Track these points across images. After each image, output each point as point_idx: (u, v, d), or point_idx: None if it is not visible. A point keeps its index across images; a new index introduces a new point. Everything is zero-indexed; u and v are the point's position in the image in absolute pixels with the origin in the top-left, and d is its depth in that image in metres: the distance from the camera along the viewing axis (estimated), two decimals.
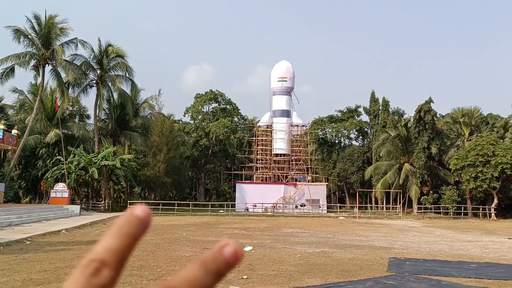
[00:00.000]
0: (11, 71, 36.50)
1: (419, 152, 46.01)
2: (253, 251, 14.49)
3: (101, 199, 42.03)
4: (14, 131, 35.51)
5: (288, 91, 53.87)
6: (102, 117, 47.88)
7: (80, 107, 50.93)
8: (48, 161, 42.32)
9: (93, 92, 43.74)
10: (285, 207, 46.86)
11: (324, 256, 13.80)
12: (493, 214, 41.48)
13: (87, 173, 39.77)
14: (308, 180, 51.33)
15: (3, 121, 37.05)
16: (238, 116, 67.09)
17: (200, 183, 62.40)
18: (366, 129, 64.86)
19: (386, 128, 52.63)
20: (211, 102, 63.02)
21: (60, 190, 36.32)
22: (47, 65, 36.76)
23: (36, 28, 36.31)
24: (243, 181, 51.46)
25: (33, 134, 41.89)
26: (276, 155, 53.35)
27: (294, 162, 53.20)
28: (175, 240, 17.47)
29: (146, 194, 51.23)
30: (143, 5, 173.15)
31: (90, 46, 41.59)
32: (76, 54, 40.74)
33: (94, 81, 43.38)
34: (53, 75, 37.91)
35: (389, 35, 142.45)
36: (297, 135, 55.27)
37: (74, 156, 40.12)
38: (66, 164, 38.86)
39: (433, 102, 46.64)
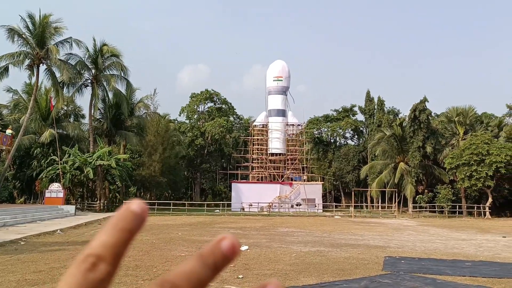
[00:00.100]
0: (5, 70, 36.26)
1: (414, 151, 46.17)
2: (248, 250, 14.49)
3: (96, 199, 41.89)
4: (9, 131, 35.30)
5: (284, 91, 53.90)
6: (97, 117, 47.69)
7: (75, 107, 50.72)
8: (42, 161, 42.11)
9: (88, 91, 43.60)
10: (281, 206, 46.90)
11: (320, 255, 13.83)
12: (487, 213, 41.72)
13: (82, 173, 39.62)
14: (304, 180, 51.40)
15: None
16: (234, 116, 67.05)
17: (196, 183, 62.32)
18: (361, 129, 65.03)
19: (381, 127, 52.77)
20: (206, 102, 62.92)
21: (55, 190, 36.15)
22: (41, 64, 36.54)
23: (30, 27, 36.09)
24: (239, 181, 51.46)
25: (28, 134, 41.67)
26: (272, 154, 53.37)
27: (289, 162, 53.24)
28: (170, 240, 17.44)
29: (142, 194, 51.09)
30: (138, 5, 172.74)
31: (85, 46, 41.45)
32: (70, 54, 40.59)
33: (89, 81, 43.21)
34: (47, 74, 37.71)
35: (384, 35, 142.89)
36: (293, 134, 55.32)
37: (69, 156, 39.96)
38: (61, 164, 38.69)
39: (428, 101, 46.87)
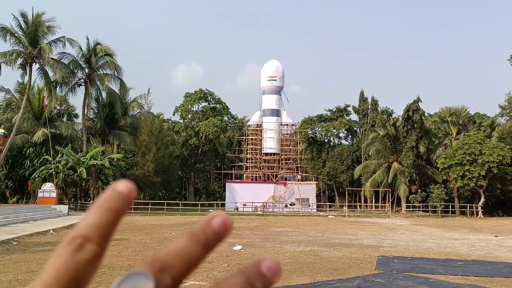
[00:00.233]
0: None
1: (407, 151, 46.39)
2: (242, 250, 14.49)
3: (89, 199, 41.68)
4: (1, 130, 35.00)
5: (278, 90, 53.93)
6: (91, 116, 47.46)
7: (68, 106, 50.44)
8: (35, 160, 41.84)
9: (81, 91, 43.38)
10: (275, 206, 46.92)
11: (313, 255, 13.85)
12: (480, 212, 42.00)
13: (75, 172, 39.42)
14: (298, 179, 51.47)
15: None
16: (228, 115, 67.01)
17: (190, 183, 62.20)
18: (355, 128, 65.22)
19: (375, 127, 52.96)
20: (200, 101, 62.82)
21: (48, 190, 35.93)
22: (34, 63, 36.30)
23: (23, 26, 35.84)
24: (233, 180, 51.42)
25: (20, 133, 41.39)
26: (266, 154, 53.39)
27: (284, 161, 53.28)
28: (164, 240, 17.41)
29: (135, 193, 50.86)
30: (132, 4, 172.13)
31: (78, 45, 41.22)
32: (64, 53, 40.36)
33: (82, 80, 42.98)
34: (40, 73, 37.48)
35: (378, 35, 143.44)
36: (287, 134, 55.38)
37: (62, 156, 39.73)
38: (54, 163, 38.46)
39: (421, 102, 47.12)
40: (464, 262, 12.96)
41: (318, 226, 26.93)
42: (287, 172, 52.53)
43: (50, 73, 38.18)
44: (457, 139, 46.60)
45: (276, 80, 53.40)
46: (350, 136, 67.13)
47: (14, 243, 15.59)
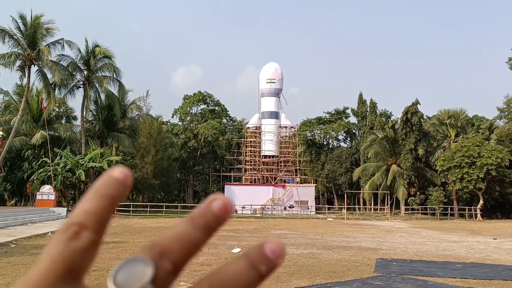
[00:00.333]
0: None
1: (406, 153, 46.43)
2: (241, 253, 14.43)
3: None
4: None
5: (277, 93, 53.97)
6: (89, 119, 47.42)
7: (67, 108, 50.40)
8: (34, 163, 41.77)
9: (80, 93, 43.36)
10: (274, 208, 46.90)
11: (312, 257, 13.84)
12: (478, 215, 42.03)
13: (74, 175, 39.35)
14: (297, 182, 51.45)
15: None
16: (227, 118, 66.99)
17: (189, 185, 62.14)
18: (354, 131, 65.24)
19: (373, 129, 53.02)
20: (199, 104, 62.82)
21: (47, 192, 35.86)
22: (33, 65, 36.29)
23: (22, 28, 35.84)
24: (232, 183, 51.39)
25: (19, 135, 41.32)
26: (265, 156, 53.38)
27: (282, 164, 53.28)
28: None
29: (134, 196, 50.77)
30: (131, 6, 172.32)
31: (77, 47, 41.24)
32: (62, 55, 40.35)
33: (81, 82, 42.97)
34: (39, 76, 37.47)
35: (377, 37, 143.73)
36: (286, 136, 55.40)
37: (60, 158, 39.67)
38: (52, 166, 38.40)
39: (419, 104, 47.18)
40: (463, 265, 12.96)
41: (317, 229, 26.92)
42: (286, 175, 52.52)
43: (49, 75, 38.19)
44: (455, 142, 46.66)
45: (275, 82, 53.46)
46: (349, 139, 67.17)
47: (13, 245, 15.54)
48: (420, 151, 46.64)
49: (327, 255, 14.60)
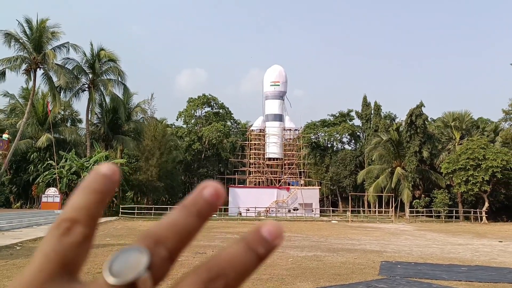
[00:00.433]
0: (2, 75, 36.26)
1: (410, 156, 46.30)
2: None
3: None
4: (5, 136, 35.21)
5: (281, 95, 54.03)
6: (94, 122, 47.66)
7: (72, 112, 50.71)
8: (39, 165, 42.00)
9: (85, 96, 43.64)
10: (278, 211, 46.86)
11: (316, 260, 13.83)
12: (484, 218, 41.80)
13: (79, 177, 39.49)
14: (301, 184, 51.41)
15: None
16: (231, 120, 67.13)
17: (193, 188, 61.27)
18: (358, 133, 65.17)
19: (378, 132, 52.92)
20: (204, 106, 63.03)
21: (52, 195, 36.06)
22: (38, 69, 36.55)
23: (28, 32, 36.12)
24: (236, 185, 51.41)
25: (24, 138, 41.58)
26: (269, 159, 53.40)
27: (287, 166, 53.27)
28: None
29: (139, 198, 50.96)
30: (136, 10, 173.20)
31: (82, 50, 41.52)
32: (68, 58, 40.63)
33: (86, 85, 43.21)
34: (44, 79, 37.72)
35: (382, 39, 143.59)
36: (290, 139, 55.41)
37: (65, 161, 39.87)
38: (57, 168, 38.60)
39: (424, 106, 47.09)
40: (468, 268, 12.91)
41: (321, 231, 26.88)
42: (290, 177, 52.50)
43: (54, 79, 38.44)
44: (460, 144, 46.48)
45: (279, 85, 53.53)
46: (353, 141, 67.08)
47: (18, 248, 15.64)
48: (425, 154, 46.50)
49: (332, 257, 14.59)
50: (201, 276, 0.34)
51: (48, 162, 40.48)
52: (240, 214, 44.89)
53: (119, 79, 44.50)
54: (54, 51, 36.83)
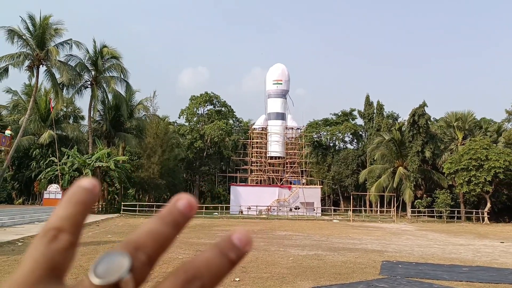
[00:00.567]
0: (5, 71, 36.29)
1: (413, 155, 46.20)
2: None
3: None
4: (8, 132, 35.30)
5: (283, 94, 53.97)
6: (97, 119, 47.70)
7: (75, 108, 50.78)
8: (41, 162, 42.10)
9: (87, 93, 43.64)
10: (280, 209, 46.87)
11: (317, 259, 13.82)
12: (486, 218, 41.71)
13: (81, 174, 39.57)
14: (303, 183, 51.39)
15: None
16: (233, 119, 67.10)
17: (195, 185, 62.28)
18: (360, 133, 65.07)
19: (380, 131, 52.81)
20: (206, 104, 62.99)
21: (54, 191, 36.15)
22: (41, 65, 36.56)
23: (31, 29, 36.13)
24: (237, 184, 51.43)
25: (27, 135, 41.66)
26: (271, 157, 53.39)
27: (288, 165, 53.25)
28: None
29: (140, 196, 51.05)
30: (139, 8, 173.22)
31: (85, 47, 41.49)
32: (70, 55, 40.63)
33: (89, 82, 43.24)
34: (47, 76, 37.74)
35: (384, 39, 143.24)
36: (292, 138, 55.38)
37: (68, 157, 39.95)
38: (59, 165, 38.67)
39: (427, 106, 46.91)
40: (469, 268, 12.88)
41: (322, 230, 26.86)
42: (292, 176, 52.48)
43: (57, 75, 38.46)
44: (463, 144, 46.34)
45: (281, 83, 53.47)
46: (355, 140, 66.98)
47: (20, 244, 15.68)
48: (427, 154, 46.39)
49: (332, 257, 14.57)
50: (179, 278, 0.37)
51: (50, 158, 40.56)
52: (242, 212, 44.92)
53: (122, 77, 44.54)
54: (57, 47, 36.84)
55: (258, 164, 53.28)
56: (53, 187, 36.55)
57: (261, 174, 52.62)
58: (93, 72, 42.94)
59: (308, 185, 52.05)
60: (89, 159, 39.80)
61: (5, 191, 45.41)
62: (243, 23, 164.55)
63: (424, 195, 48.18)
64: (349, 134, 65.66)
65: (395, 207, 46.03)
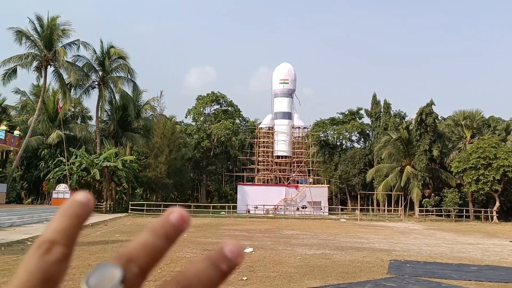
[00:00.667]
0: (13, 72, 36.62)
1: (420, 154, 45.94)
2: (253, 252, 14.49)
3: (102, 200, 42.06)
4: (16, 132, 35.61)
5: (290, 93, 53.90)
6: (104, 119, 47.96)
7: (82, 109, 51.07)
8: (50, 162, 42.40)
9: (95, 93, 43.91)
10: (287, 209, 46.85)
11: (324, 258, 13.81)
12: (495, 217, 41.39)
13: (89, 174, 39.84)
14: (310, 182, 51.32)
15: (5, 122, 37.23)
16: (240, 118, 67.15)
17: (202, 185, 62.43)
18: (367, 132, 64.82)
19: (387, 130, 52.57)
20: (213, 104, 63.08)
21: (62, 191, 36.39)
22: (49, 66, 36.88)
23: (39, 30, 36.43)
24: (244, 183, 51.46)
25: (35, 135, 42.00)
26: (278, 157, 53.36)
27: (295, 164, 53.19)
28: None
29: (148, 195, 51.27)
30: (146, 8, 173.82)
31: (92, 48, 41.77)
32: (78, 55, 40.93)
33: (96, 83, 43.49)
34: (55, 76, 38.04)
35: (391, 38, 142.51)
36: (299, 137, 55.30)
37: (76, 157, 40.20)
38: (68, 165, 38.94)
39: (434, 105, 46.63)
40: (478, 267, 12.80)
41: (329, 230, 26.82)
42: (298, 175, 52.42)
43: (65, 76, 38.75)
44: (471, 143, 46.00)
45: (288, 83, 53.41)
46: (362, 139, 66.75)
47: (29, 243, 15.82)
48: (435, 152, 46.11)
49: (340, 256, 14.55)
50: None
51: (59, 158, 40.84)
52: (249, 211, 44.95)
53: (129, 77, 44.76)
54: (65, 48, 37.13)
55: (265, 163, 53.28)
56: (62, 187, 36.80)
57: (268, 174, 52.62)
58: (100, 73, 43.18)
59: (315, 184, 51.97)
60: (97, 159, 40.02)
61: (14, 190, 45.81)
62: (250, 24, 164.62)
63: (432, 194, 47.90)
64: (356, 133, 65.45)
65: (402, 206, 45.80)
